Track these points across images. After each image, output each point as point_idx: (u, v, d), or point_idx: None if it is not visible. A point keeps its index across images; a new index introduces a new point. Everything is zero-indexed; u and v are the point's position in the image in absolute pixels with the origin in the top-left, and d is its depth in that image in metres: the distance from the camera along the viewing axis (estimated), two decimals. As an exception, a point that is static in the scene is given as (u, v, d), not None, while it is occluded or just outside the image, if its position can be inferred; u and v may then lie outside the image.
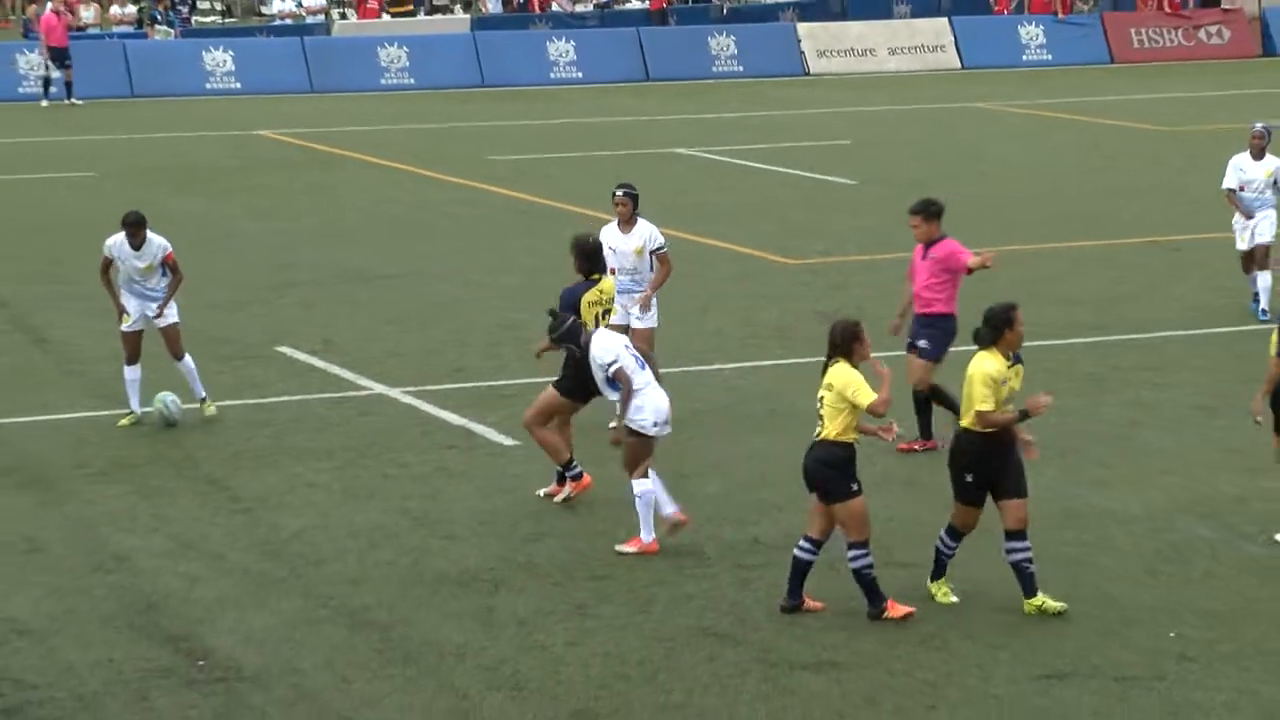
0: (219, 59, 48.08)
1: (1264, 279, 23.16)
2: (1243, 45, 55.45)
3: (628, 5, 56.26)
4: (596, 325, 16.35)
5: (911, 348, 18.25)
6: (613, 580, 14.92)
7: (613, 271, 18.13)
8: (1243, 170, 23.58)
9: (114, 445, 18.51)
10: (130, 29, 52.50)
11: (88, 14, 53.54)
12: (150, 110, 44.77)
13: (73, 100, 45.85)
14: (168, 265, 19.22)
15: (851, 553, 14.02)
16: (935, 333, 18.15)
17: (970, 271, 18.27)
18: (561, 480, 16.71)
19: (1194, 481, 17.41)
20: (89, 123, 42.60)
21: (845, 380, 13.99)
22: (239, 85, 47.54)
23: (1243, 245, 23.57)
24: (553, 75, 50.01)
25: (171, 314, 19.18)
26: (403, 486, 17.28)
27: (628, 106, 45.47)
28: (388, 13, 54.14)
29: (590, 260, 16.89)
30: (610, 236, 18.66)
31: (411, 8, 54.90)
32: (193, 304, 23.87)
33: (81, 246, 28.41)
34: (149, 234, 19.13)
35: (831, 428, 14.04)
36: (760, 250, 27.07)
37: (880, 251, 27.69)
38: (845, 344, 14.20)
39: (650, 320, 18.85)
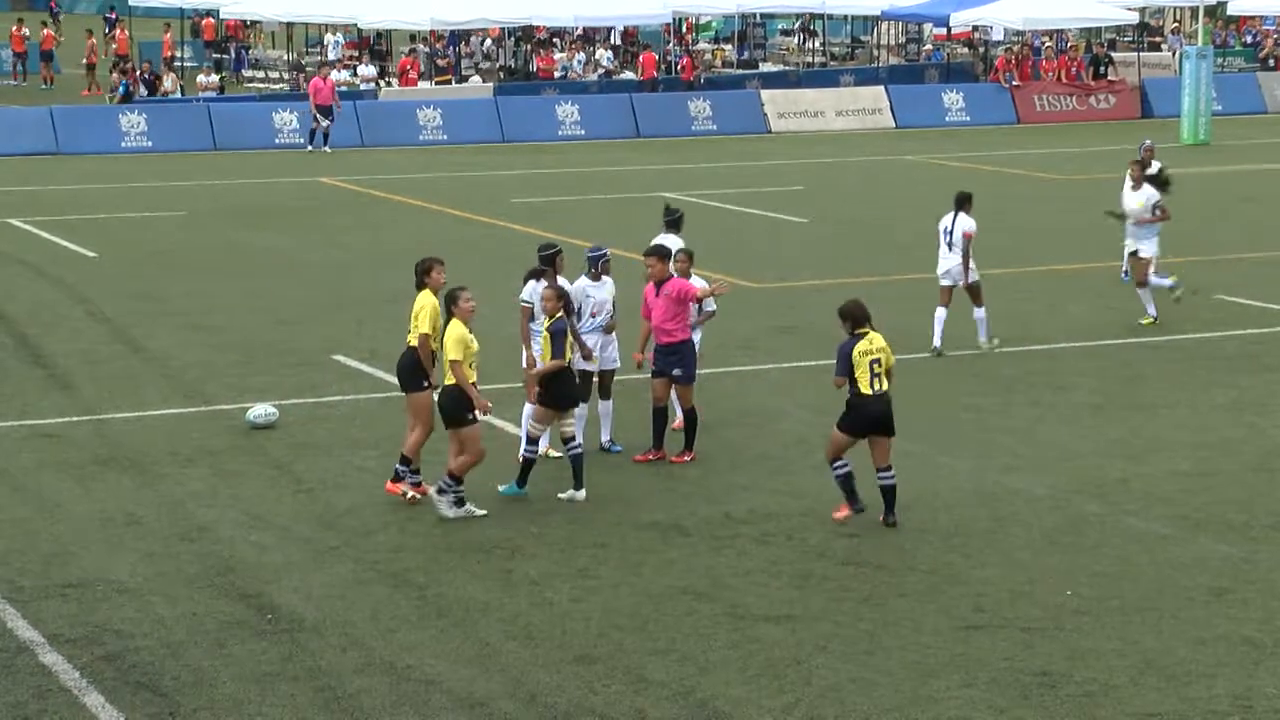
0: (286, 119, 47.89)
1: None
2: (1126, 109, 55.55)
3: (623, 75, 56.27)
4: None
5: (661, 374, 17.20)
6: (609, 548, 14.84)
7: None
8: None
9: (199, 436, 18.40)
10: (214, 94, 52.37)
11: (168, 83, 53.19)
12: (229, 160, 44.64)
13: (328, 148, 45.71)
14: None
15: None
16: (685, 359, 17.23)
17: (700, 301, 17.43)
18: None
19: (1086, 467, 17.36)
20: (180, 169, 42.45)
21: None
22: (303, 140, 47.38)
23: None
24: (560, 133, 49.89)
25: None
26: (436, 470, 17.13)
27: (622, 158, 45.39)
28: (426, 81, 54.08)
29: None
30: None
31: (450, 78, 54.86)
32: (264, 320, 23.89)
33: (173, 272, 28.37)
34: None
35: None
36: (729, 276, 26.97)
37: (828, 277, 27.62)
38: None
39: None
